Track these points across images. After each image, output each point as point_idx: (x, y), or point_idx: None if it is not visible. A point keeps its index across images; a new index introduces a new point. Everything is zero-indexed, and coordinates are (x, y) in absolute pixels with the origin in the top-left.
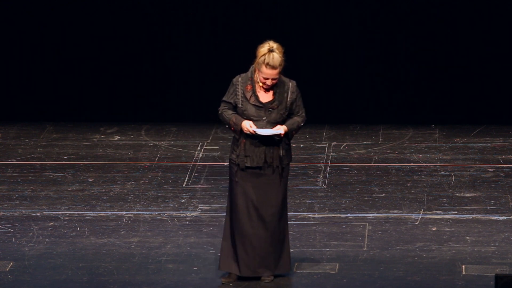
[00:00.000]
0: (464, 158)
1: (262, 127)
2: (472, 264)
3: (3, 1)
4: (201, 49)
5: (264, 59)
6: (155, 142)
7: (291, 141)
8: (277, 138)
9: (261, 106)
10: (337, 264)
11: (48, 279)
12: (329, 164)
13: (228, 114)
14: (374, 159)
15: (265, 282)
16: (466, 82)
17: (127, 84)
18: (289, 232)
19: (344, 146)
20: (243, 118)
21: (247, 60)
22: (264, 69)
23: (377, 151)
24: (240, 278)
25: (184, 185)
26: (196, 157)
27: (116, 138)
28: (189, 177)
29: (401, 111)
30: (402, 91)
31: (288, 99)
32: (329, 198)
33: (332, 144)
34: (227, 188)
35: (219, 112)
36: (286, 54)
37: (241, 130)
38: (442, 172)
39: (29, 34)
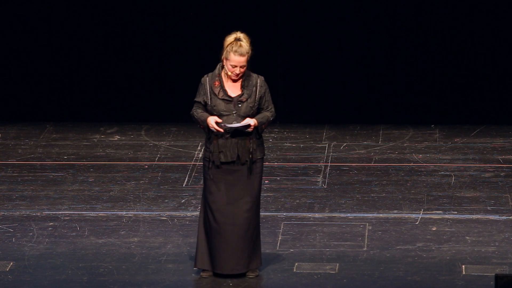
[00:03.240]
0: (464, 158)
1: (232, 122)
2: (472, 264)
3: (3, 1)
4: (201, 49)
5: (232, 47)
6: (155, 142)
7: (263, 135)
8: (248, 130)
9: (230, 100)
10: (337, 264)
11: (48, 279)
12: (329, 164)
13: (197, 113)
14: (374, 159)
15: (250, 277)
16: (466, 82)
17: (127, 84)
18: (290, 232)
19: (344, 146)
20: (213, 114)
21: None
22: (232, 56)
23: (377, 151)
24: (232, 276)
25: (184, 185)
26: (196, 157)
27: (116, 138)
28: (189, 177)
29: (401, 111)
30: (402, 91)
31: (257, 93)
32: (329, 198)
33: (332, 144)
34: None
35: (191, 112)
36: (286, 54)
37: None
38: (442, 172)
39: (29, 34)
